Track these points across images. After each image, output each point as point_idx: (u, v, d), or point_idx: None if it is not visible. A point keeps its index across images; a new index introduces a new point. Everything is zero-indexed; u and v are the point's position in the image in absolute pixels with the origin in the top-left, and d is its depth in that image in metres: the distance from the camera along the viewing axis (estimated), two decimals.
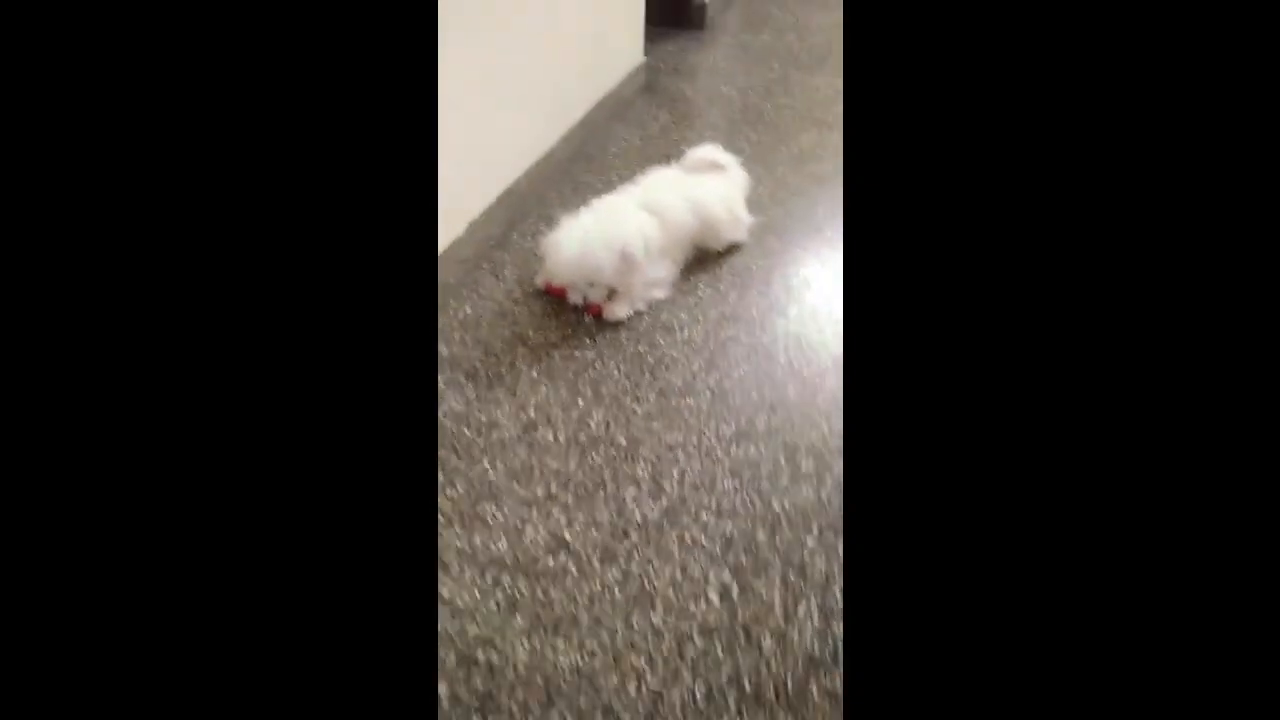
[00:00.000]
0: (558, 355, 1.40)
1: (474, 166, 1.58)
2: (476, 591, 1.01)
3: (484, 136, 1.58)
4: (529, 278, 1.60)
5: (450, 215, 1.53)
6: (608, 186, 1.85)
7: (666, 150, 2.07)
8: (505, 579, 1.02)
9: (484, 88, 1.52)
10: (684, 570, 1.01)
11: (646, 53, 2.57)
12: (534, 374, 1.36)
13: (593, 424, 1.25)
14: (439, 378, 1.35)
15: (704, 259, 1.64)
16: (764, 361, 1.38)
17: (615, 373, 1.35)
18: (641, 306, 1.49)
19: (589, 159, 2.08)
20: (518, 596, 1.00)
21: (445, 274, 1.54)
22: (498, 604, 0.99)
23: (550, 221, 1.68)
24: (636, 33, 2.45)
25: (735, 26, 3.34)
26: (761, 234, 1.75)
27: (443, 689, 0.91)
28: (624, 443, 1.21)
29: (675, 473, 1.15)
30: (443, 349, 1.42)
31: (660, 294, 1.52)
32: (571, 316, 1.49)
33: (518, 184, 1.79)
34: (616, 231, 1.42)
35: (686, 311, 1.50)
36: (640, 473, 1.15)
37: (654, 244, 1.48)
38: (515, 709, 0.88)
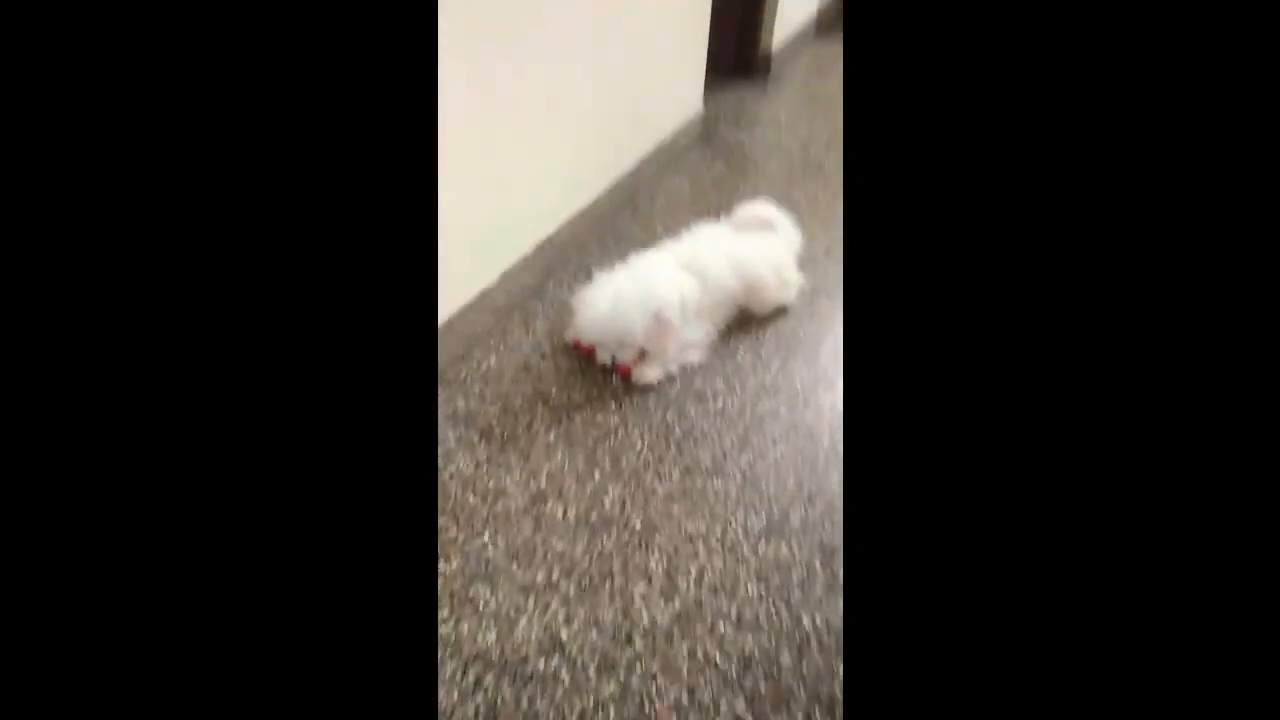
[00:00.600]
0: (579, 419, 1.30)
1: (510, 214, 1.53)
2: (455, 692, 0.90)
3: (524, 183, 1.53)
4: (560, 331, 1.51)
5: (482, 262, 1.48)
6: (651, 239, 1.77)
7: (718, 203, 1.98)
8: (489, 680, 0.90)
9: (528, 131, 1.48)
10: (692, 693, 0.86)
11: (706, 101, 2.52)
12: (551, 438, 1.26)
13: (607, 502, 1.13)
14: (450, 434, 1.27)
15: (747, 322, 1.52)
16: (805, 442, 1.23)
17: (639, 443, 1.23)
18: (674, 370, 1.38)
19: (635, 209, 2.01)
20: (499, 704, 0.88)
21: (474, 324, 1.48)
22: (477, 710, 0.87)
23: (588, 274, 1.61)
24: (696, 81, 2.41)
25: (803, 72, 3.27)
26: (813, 296, 1.62)
27: None
28: (639, 527, 1.08)
29: (693, 569, 1.01)
30: (459, 403, 1.34)
31: (695, 358, 1.41)
32: (599, 376, 1.39)
33: (558, 233, 1.73)
34: (651, 291, 1.32)
35: (723, 379, 1.37)
36: (654, 565, 1.02)
37: (691, 305, 1.37)
38: None
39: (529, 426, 1.29)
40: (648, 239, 1.81)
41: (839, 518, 1.09)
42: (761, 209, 1.62)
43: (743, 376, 1.37)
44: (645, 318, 1.29)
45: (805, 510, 1.11)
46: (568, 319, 1.52)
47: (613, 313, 1.29)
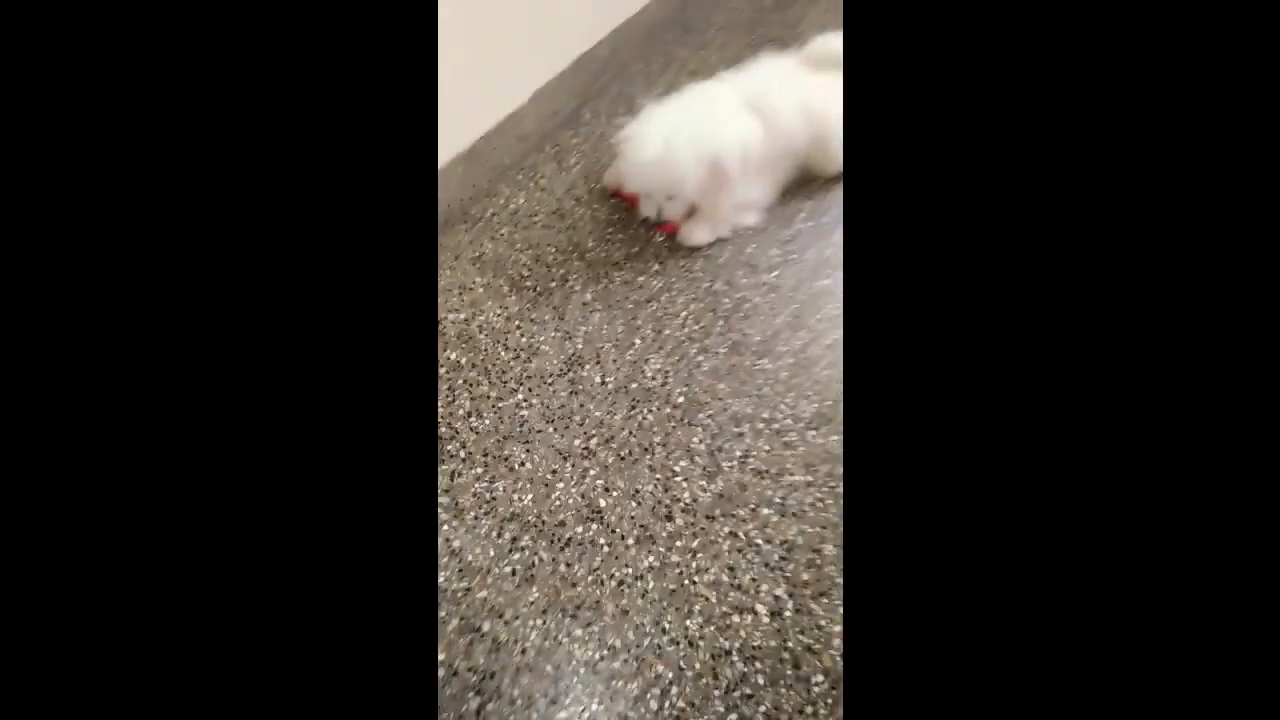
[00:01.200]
0: (618, 278, 1.18)
1: (543, 22, 1.28)
2: (491, 549, 0.89)
3: None
4: (598, 172, 1.34)
5: (511, 78, 1.26)
6: (705, 69, 1.52)
7: (783, 32, 1.69)
8: (526, 540, 0.89)
9: None
10: (732, 573, 0.86)
11: None
12: (588, 296, 1.16)
13: (648, 372, 1.06)
14: (478, 279, 1.16)
15: (811, 184, 1.36)
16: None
17: (683, 312, 1.14)
18: (726, 232, 1.24)
19: (687, 29, 1.72)
20: (537, 564, 0.87)
21: (500, 153, 1.30)
22: (514, 569, 0.87)
23: (631, 104, 1.39)
24: None
25: None
26: None
27: (439, 655, 0.80)
28: (682, 402, 1.02)
29: (738, 451, 0.97)
30: (487, 247, 1.22)
31: (751, 220, 1.26)
32: (641, 231, 1.25)
33: (598, 49, 1.48)
34: (710, 134, 1.14)
35: (779, 248, 1.24)
36: (696, 443, 0.98)
37: (754, 156, 1.20)
38: (518, 697, 0.78)
39: (563, 281, 1.18)
40: (700, 68, 1.56)
41: None
42: (840, 43, 1.38)
43: (801, 245, 1.24)
44: (701, 165, 1.12)
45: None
46: (607, 159, 1.34)
47: (663, 157, 1.12)
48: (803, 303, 1.16)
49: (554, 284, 1.17)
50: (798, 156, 1.31)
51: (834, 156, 1.33)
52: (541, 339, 1.10)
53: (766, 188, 1.27)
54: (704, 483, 0.94)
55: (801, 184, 1.35)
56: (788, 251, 1.23)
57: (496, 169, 1.32)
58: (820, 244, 1.25)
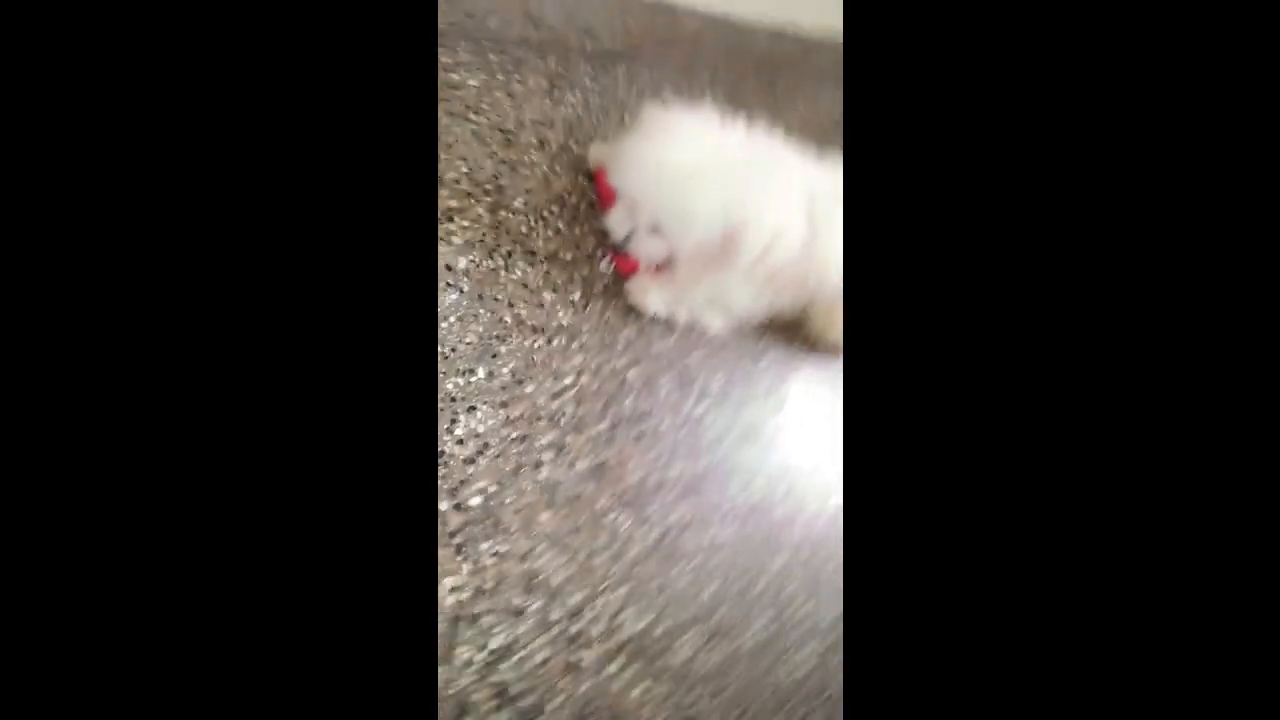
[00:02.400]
0: (522, 273, 0.79)
1: None
2: None
3: None
4: (587, 133, 0.95)
5: None
6: (780, 115, 1.20)
7: None
8: None
9: None
10: None
11: None
12: (469, 257, 0.74)
13: (463, 422, 0.66)
14: None
15: (793, 340, 1.06)
16: (756, 556, 0.84)
17: (571, 375, 0.76)
18: (681, 317, 0.90)
19: (797, 60, 1.40)
20: None
21: (499, 22, 0.86)
22: None
23: (661, 94, 1.03)
24: None
25: None
26: None
27: None
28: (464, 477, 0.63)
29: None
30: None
31: (717, 324, 0.93)
32: (588, 240, 0.87)
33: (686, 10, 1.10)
34: (751, 199, 0.80)
35: (726, 379, 0.92)
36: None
37: (773, 259, 0.87)
38: None
39: (491, 254, 0.76)
40: (777, 109, 1.24)
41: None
42: None
43: (751, 390, 0.93)
44: (720, 222, 0.77)
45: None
46: (609, 127, 0.96)
47: (689, 179, 0.76)
48: (712, 465, 0.83)
49: (443, 210, 0.75)
50: (802, 297, 1.01)
51: (831, 326, 1.05)
52: None
53: (756, 300, 0.95)
54: None
55: (780, 332, 1.05)
56: (733, 390, 0.91)
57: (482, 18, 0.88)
58: (770, 410, 0.94)
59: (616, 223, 0.83)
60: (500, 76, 0.90)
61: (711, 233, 0.78)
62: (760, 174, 0.82)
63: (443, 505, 0.61)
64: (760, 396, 0.94)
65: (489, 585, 0.61)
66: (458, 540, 0.61)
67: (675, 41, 1.12)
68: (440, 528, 0.60)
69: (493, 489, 0.65)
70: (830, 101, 1.39)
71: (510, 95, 0.90)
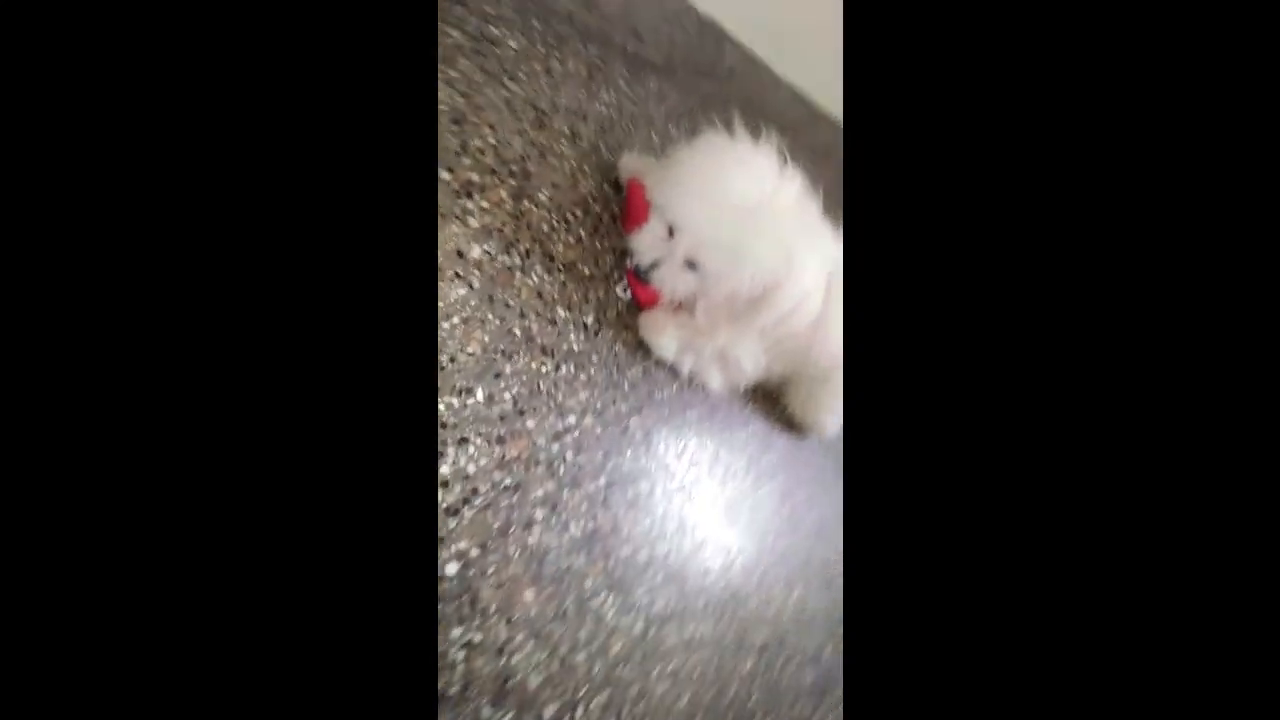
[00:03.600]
0: (540, 278, 0.64)
1: None
2: None
3: None
4: (615, 148, 0.83)
5: None
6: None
7: None
8: None
9: None
10: None
11: None
12: (485, 247, 0.59)
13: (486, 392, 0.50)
14: None
15: (775, 414, 1.00)
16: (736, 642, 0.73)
17: (585, 386, 0.63)
18: (686, 365, 0.79)
19: None
20: None
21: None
22: None
23: (727, 123, 0.96)
24: None
25: None
26: None
27: None
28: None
29: None
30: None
31: (715, 381, 0.83)
32: (609, 254, 0.75)
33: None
34: (795, 256, 0.72)
35: (727, 453, 0.82)
36: None
37: (800, 322, 0.80)
38: None
39: (469, 192, 0.60)
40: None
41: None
42: None
43: (734, 462, 0.83)
44: (770, 266, 0.68)
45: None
46: (653, 138, 0.85)
47: (747, 214, 0.67)
48: (696, 546, 0.72)
49: (462, 182, 0.59)
50: (793, 368, 0.95)
51: (813, 407, 1.00)
52: None
53: (758, 363, 0.87)
54: None
55: (762, 402, 0.98)
56: (720, 459, 0.81)
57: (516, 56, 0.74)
58: (749, 487, 0.85)
59: (646, 245, 0.72)
60: (541, 48, 0.76)
61: (753, 283, 0.70)
62: (805, 233, 0.76)
63: None
64: (741, 471, 0.85)
65: (454, 689, 0.45)
66: None
67: (709, 73, 1.05)
68: None
69: (474, 553, 0.49)
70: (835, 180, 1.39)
71: (549, 72, 0.76)
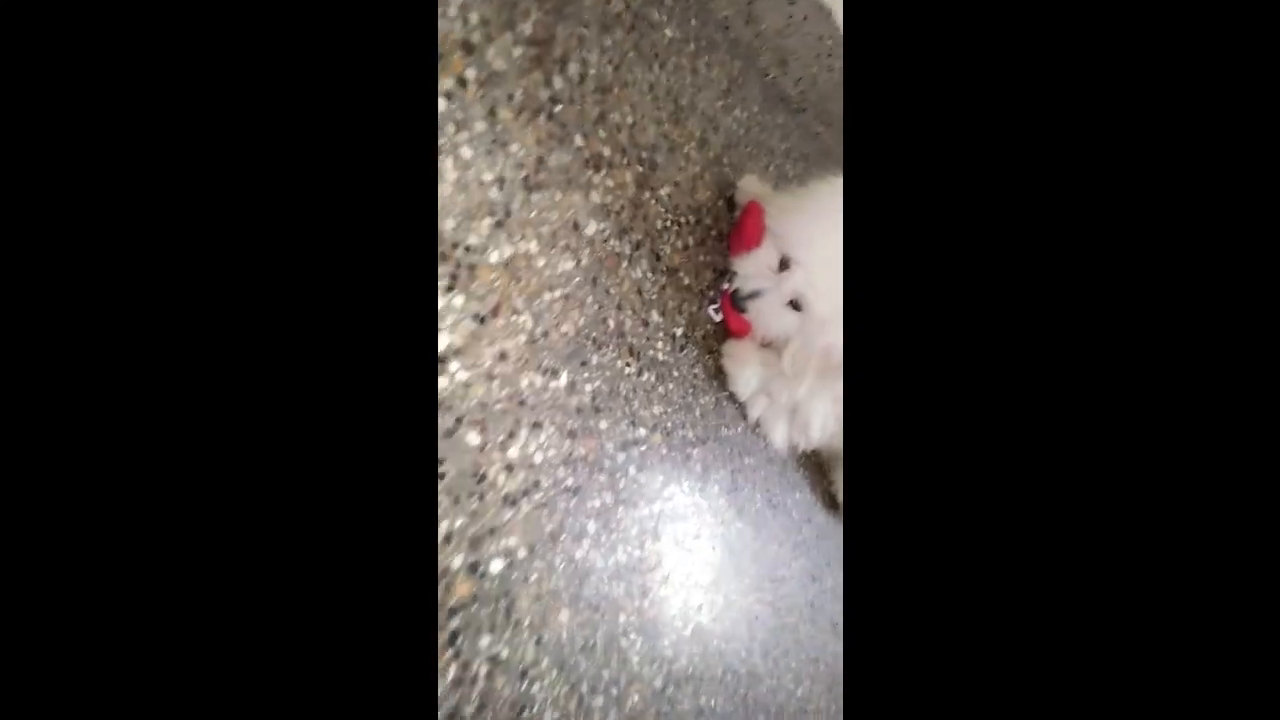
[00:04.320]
0: (629, 312, 0.59)
1: None
2: None
3: None
4: (736, 169, 0.79)
5: None
6: None
7: None
8: None
9: None
10: None
11: None
12: (634, 269, 0.54)
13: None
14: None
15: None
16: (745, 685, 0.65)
17: (646, 429, 0.56)
18: (758, 410, 0.73)
19: None
20: None
21: None
22: None
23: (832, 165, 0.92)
24: None
25: None
26: None
27: None
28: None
29: None
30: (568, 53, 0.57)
31: (780, 433, 0.77)
32: (709, 271, 0.70)
33: None
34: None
35: (758, 504, 0.75)
36: None
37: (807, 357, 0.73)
38: None
39: (622, 235, 0.55)
40: None
41: None
42: None
43: (776, 527, 0.76)
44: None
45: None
46: (753, 168, 0.81)
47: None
48: (727, 607, 0.64)
49: (594, 152, 0.54)
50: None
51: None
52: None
53: (825, 428, 0.81)
54: None
55: (812, 471, 0.92)
56: (765, 521, 0.75)
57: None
58: (784, 558, 0.78)
59: (752, 271, 0.67)
60: (692, 46, 0.73)
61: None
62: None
63: (456, 560, 0.38)
64: (781, 537, 0.78)
65: (470, 708, 0.37)
66: (456, 623, 0.37)
67: (835, 123, 1.02)
68: (442, 599, 0.37)
69: (522, 554, 0.43)
70: None
71: (695, 71, 0.73)
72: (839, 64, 0.91)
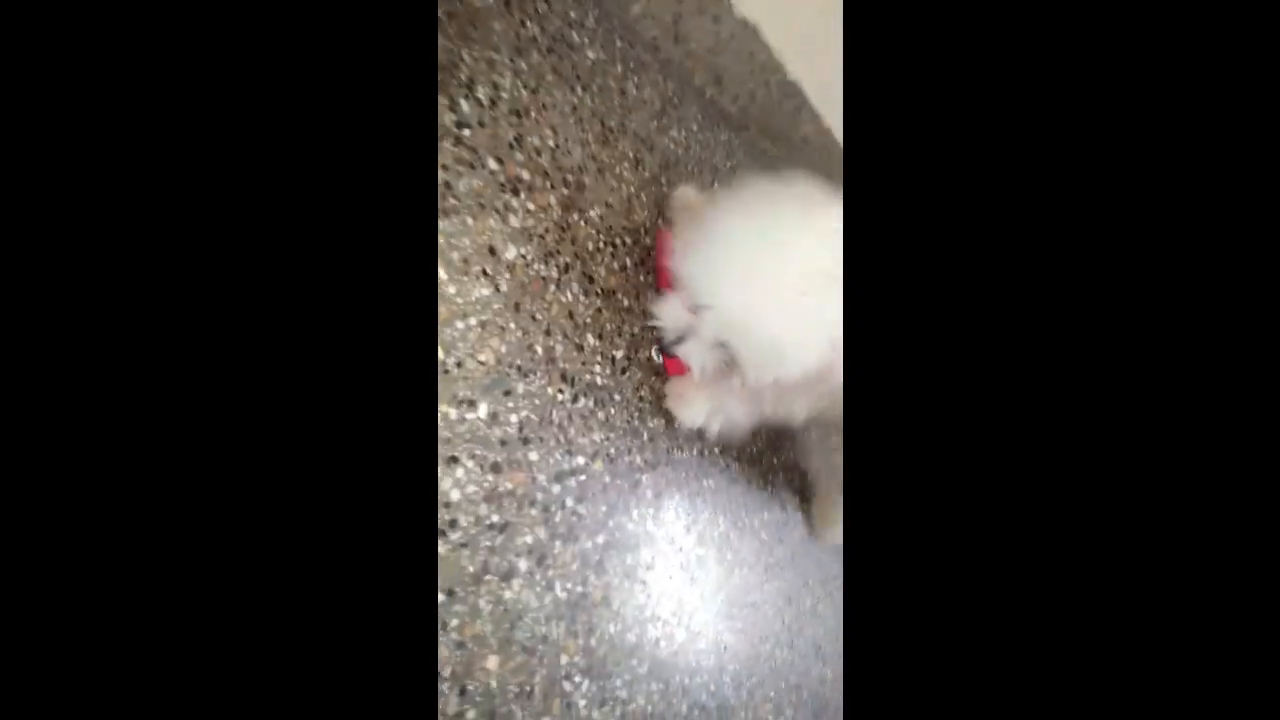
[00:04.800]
0: (559, 337, 0.57)
1: None
2: None
3: None
4: (665, 196, 0.78)
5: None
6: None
7: None
8: None
9: None
10: None
11: None
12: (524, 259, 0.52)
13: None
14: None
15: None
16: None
17: (585, 457, 0.54)
18: (715, 427, 0.71)
19: None
20: None
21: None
22: None
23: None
24: None
25: None
26: None
27: None
28: None
29: None
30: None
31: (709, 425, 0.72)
32: (650, 298, 0.68)
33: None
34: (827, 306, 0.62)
35: (722, 526, 0.72)
36: None
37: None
38: None
39: (548, 258, 0.54)
40: None
41: None
42: None
43: (745, 549, 0.73)
44: (818, 344, 0.58)
45: None
46: (690, 186, 0.80)
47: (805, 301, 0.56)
48: (689, 639, 0.61)
49: (510, 176, 0.53)
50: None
51: (826, 519, 0.90)
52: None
53: (750, 408, 0.76)
54: None
55: (786, 489, 0.89)
56: (730, 543, 0.72)
57: None
58: (755, 582, 0.75)
59: (669, 316, 0.60)
60: (619, 68, 0.73)
61: (799, 372, 0.59)
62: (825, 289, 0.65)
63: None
64: (750, 560, 0.75)
65: None
66: None
67: (781, 138, 1.02)
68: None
69: (440, 598, 0.40)
70: None
71: (623, 93, 0.72)
72: (775, 79, 0.91)
